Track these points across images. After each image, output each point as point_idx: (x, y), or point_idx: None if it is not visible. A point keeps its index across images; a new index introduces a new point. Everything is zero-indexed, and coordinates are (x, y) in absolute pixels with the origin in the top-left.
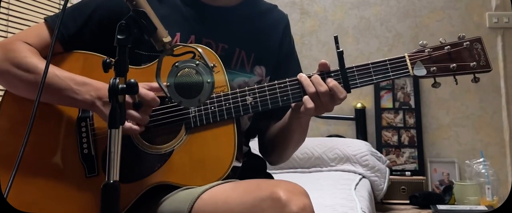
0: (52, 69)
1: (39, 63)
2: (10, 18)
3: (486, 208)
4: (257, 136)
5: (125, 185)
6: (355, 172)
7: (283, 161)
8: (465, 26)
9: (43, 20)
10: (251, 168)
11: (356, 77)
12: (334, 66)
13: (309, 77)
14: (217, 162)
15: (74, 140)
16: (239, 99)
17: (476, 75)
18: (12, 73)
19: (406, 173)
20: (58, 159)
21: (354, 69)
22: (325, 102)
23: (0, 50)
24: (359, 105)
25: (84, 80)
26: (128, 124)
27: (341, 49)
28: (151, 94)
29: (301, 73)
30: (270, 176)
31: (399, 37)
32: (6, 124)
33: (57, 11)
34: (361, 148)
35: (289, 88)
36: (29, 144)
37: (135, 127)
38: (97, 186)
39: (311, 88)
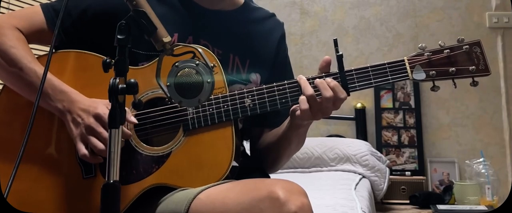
0: (36, 67)
1: (23, 58)
2: None
3: (486, 208)
4: (249, 141)
5: (122, 187)
6: (355, 172)
7: (274, 170)
8: (465, 26)
9: (39, 5)
10: (248, 168)
11: (355, 80)
12: (334, 67)
13: (311, 80)
14: (215, 164)
15: (71, 140)
16: (238, 101)
17: (475, 79)
18: None
19: (406, 173)
20: (55, 160)
21: (353, 72)
22: (327, 107)
23: None
24: (359, 105)
25: (62, 87)
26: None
27: (340, 53)
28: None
29: (301, 75)
30: (267, 175)
31: (399, 37)
32: (2, 115)
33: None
34: (361, 148)
35: (287, 90)
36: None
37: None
38: (94, 188)
39: (308, 91)
